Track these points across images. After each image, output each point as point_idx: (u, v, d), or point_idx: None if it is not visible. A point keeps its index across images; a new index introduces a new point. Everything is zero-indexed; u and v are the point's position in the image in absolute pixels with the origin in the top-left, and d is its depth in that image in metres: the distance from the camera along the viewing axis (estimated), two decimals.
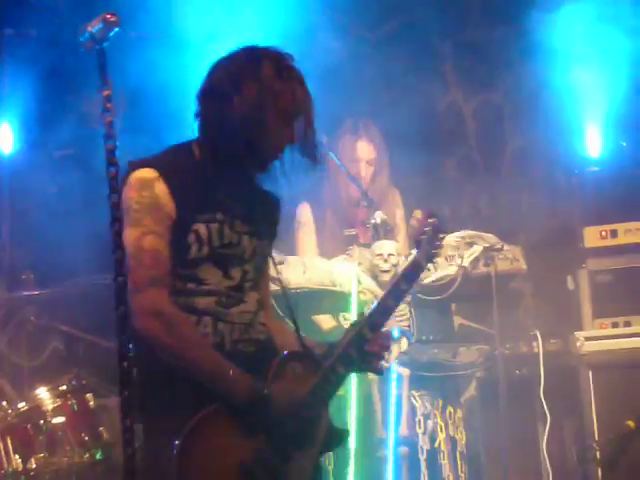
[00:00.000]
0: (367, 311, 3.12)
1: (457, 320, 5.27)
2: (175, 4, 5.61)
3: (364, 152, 5.56)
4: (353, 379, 4.69)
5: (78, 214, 5.74)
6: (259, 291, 3.10)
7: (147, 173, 2.91)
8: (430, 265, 3.29)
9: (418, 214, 3.22)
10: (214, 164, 3.01)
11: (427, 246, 3.17)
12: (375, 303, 3.17)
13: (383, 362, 3.16)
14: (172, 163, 2.98)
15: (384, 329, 3.13)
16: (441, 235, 3.20)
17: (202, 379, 2.85)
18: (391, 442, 4.74)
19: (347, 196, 5.50)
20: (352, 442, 4.63)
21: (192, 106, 3.04)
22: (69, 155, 6.01)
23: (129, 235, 2.85)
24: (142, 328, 2.80)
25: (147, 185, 2.89)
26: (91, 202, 5.72)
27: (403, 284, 3.12)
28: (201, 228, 2.94)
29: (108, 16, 2.37)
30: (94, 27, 2.34)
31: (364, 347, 3.03)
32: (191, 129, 3.05)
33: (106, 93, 2.24)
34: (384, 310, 3.09)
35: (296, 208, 5.53)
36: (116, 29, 2.35)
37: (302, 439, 2.96)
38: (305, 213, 5.58)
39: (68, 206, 5.85)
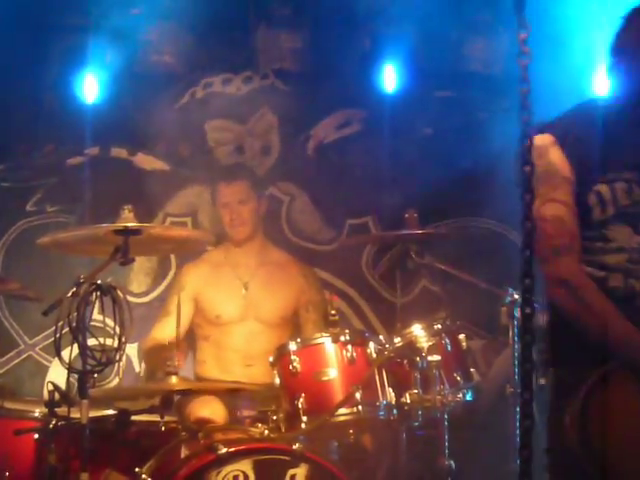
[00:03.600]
0: None
1: None
2: None
3: None
4: None
5: (452, 156, 5.78)
6: None
7: (542, 140, 2.90)
8: None
9: None
10: (624, 121, 2.94)
11: None
12: None
13: None
14: (572, 125, 2.96)
15: None
16: None
17: (608, 345, 2.81)
18: None
19: None
20: None
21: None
22: (448, 97, 6.03)
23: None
24: (550, 296, 2.87)
25: (542, 153, 2.87)
26: (464, 144, 5.74)
27: None
28: (603, 188, 2.90)
29: None
30: None
31: None
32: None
33: (523, 36, 2.19)
34: None
35: None
36: None
37: None
38: None
39: (442, 148, 5.90)
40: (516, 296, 4.16)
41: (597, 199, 2.92)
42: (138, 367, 5.68)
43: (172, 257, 5.81)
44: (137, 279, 5.81)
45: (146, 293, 5.81)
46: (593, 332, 2.84)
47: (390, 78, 5.93)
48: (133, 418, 3.96)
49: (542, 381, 2.98)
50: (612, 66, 3.00)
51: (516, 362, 4.28)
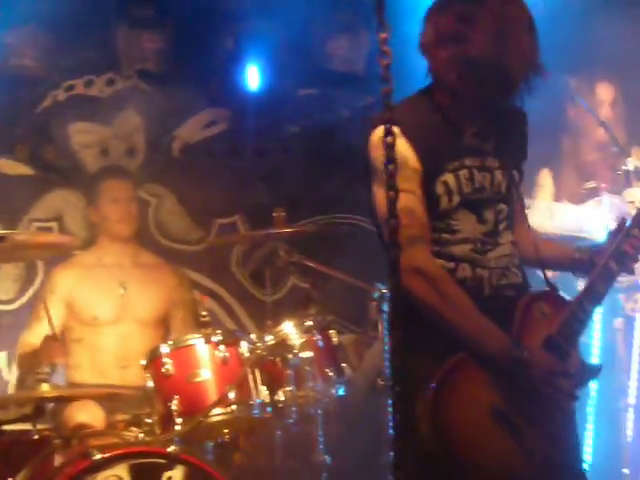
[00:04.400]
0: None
1: None
2: None
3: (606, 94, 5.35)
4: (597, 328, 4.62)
5: (318, 154, 5.86)
6: (512, 229, 3.10)
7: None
8: None
9: None
10: (458, 107, 3.01)
11: None
12: None
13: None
14: (413, 116, 2.98)
15: None
16: None
17: (461, 337, 2.87)
18: (634, 392, 4.66)
19: (592, 143, 5.32)
20: (593, 389, 4.60)
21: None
22: (312, 95, 6.08)
23: (380, 196, 2.90)
24: (405, 286, 2.82)
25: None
26: (330, 142, 5.82)
27: None
28: (449, 178, 2.96)
29: None
30: None
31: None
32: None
33: (383, 36, 2.24)
34: None
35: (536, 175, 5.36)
36: None
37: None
38: (545, 177, 5.40)
39: (308, 146, 5.96)
40: (384, 291, 4.23)
41: (444, 189, 2.95)
42: (7, 375, 5.56)
43: (39, 262, 5.70)
44: (3, 286, 5.69)
45: (13, 300, 5.69)
46: (447, 323, 2.87)
47: (254, 77, 5.97)
48: (4, 428, 3.89)
49: None
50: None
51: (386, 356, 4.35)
